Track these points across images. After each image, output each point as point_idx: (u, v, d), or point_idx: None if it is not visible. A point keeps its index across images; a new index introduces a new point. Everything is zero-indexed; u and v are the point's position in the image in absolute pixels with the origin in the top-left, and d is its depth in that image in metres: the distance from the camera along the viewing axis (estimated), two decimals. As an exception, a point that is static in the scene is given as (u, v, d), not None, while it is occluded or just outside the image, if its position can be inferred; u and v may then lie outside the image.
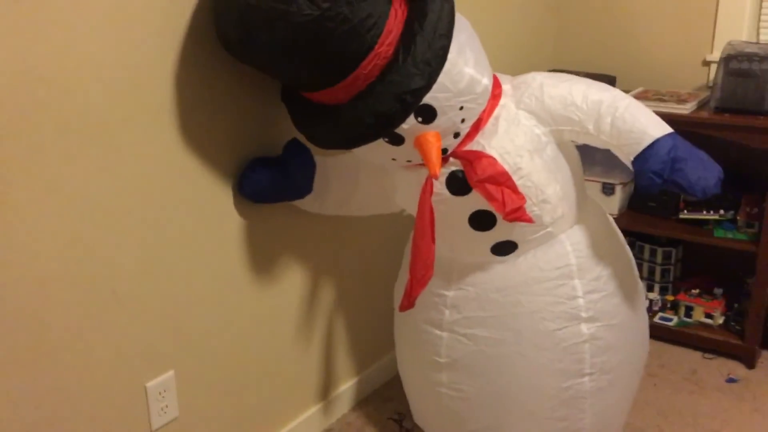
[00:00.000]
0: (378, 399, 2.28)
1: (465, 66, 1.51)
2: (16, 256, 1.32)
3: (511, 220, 1.58)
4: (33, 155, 1.31)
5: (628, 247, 1.92)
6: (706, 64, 2.68)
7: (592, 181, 2.62)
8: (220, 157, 1.67)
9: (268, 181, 1.74)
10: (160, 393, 1.61)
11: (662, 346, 2.59)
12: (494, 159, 1.60)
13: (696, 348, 2.56)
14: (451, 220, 1.69)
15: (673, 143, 1.55)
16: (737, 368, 2.46)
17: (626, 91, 2.61)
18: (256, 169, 1.72)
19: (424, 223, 1.62)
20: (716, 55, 2.46)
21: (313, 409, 2.10)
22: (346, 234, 2.08)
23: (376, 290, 2.23)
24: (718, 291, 2.64)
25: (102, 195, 1.44)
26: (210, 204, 1.67)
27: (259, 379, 1.89)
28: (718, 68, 2.39)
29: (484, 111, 1.61)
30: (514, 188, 1.59)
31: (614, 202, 2.63)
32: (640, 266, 2.74)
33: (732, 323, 2.55)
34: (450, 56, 1.46)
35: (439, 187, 1.64)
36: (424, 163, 1.53)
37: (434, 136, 1.52)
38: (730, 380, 2.39)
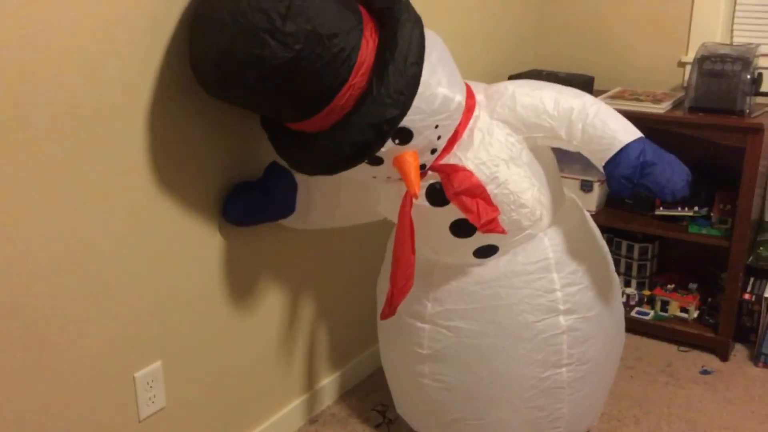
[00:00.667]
0: (361, 391, 2.32)
1: (438, 86, 1.55)
2: (4, 246, 1.35)
3: (485, 232, 1.64)
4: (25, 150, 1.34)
5: (604, 243, 1.98)
6: (681, 65, 2.75)
7: (571, 178, 2.67)
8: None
9: (251, 205, 1.78)
10: (148, 383, 1.64)
11: (639, 340, 2.65)
12: (470, 172, 1.64)
13: (672, 341, 2.63)
14: (433, 229, 1.74)
15: (642, 148, 1.60)
16: (711, 360, 2.53)
17: (604, 92, 2.70)
18: (239, 195, 1.77)
19: (404, 236, 1.67)
20: (691, 57, 2.52)
21: (298, 401, 2.14)
22: (330, 230, 2.12)
23: (359, 285, 2.27)
24: (692, 286, 2.71)
25: (92, 189, 1.47)
26: (198, 198, 1.70)
27: (244, 370, 1.93)
28: (692, 69, 2.45)
29: (459, 124, 1.65)
30: (488, 200, 1.65)
31: (592, 199, 2.69)
32: (617, 262, 2.80)
33: (706, 317, 2.62)
34: (423, 78, 1.50)
35: (420, 199, 1.68)
36: (404, 184, 1.58)
37: (412, 156, 1.57)
38: (704, 372, 2.46)
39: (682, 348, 2.60)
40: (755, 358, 2.51)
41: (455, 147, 1.68)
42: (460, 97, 1.60)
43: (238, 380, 1.92)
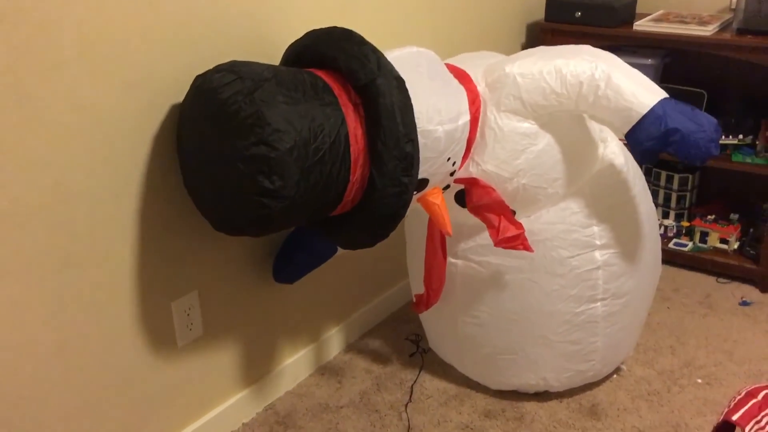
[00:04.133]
0: (395, 321, 2.34)
1: (439, 126, 1.50)
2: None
3: (505, 248, 1.66)
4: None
5: (642, 175, 1.92)
6: (730, -16, 2.61)
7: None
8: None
9: (299, 269, 1.85)
10: (185, 311, 1.66)
11: (676, 272, 2.61)
12: (490, 188, 1.64)
13: (710, 273, 2.59)
14: (462, 218, 1.75)
15: (663, 113, 1.51)
16: (751, 292, 2.48)
17: (647, 15, 2.58)
18: (287, 264, 1.83)
19: (434, 245, 1.73)
20: (740, -25, 2.39)
21: (333, 331, 2.16)
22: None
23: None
24: (733, 216, 2.64)
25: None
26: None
27: (282, 299, 1.94)
28: (742, -11, 2.33)
29: (470, 131, 1.61)
30: (510, 218, 1.64)
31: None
32: (656, 193, 2.74)
33: (747, 248, 2.56)
34: (421, 128, 1.45)
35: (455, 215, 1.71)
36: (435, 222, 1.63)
37: (436, 196, 1.60)
38: (744, 303, 2.42)
39: (720, 280, 2.56)
40: (797, 290, 2.46)
41: (471, 152, 1.65)
42: (462, 120, 1.56)
43: (276, 309, 1.93)
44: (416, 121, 1.43)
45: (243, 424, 1.90)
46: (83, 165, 1.40)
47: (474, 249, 1.80)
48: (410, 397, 1.99)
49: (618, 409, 1.92)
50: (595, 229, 1.76)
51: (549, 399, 1.95)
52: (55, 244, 1.39)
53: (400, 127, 1.38)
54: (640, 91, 1.53)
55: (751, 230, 2.60)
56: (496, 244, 1.65)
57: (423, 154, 1.47)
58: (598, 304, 1.80)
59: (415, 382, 2.04)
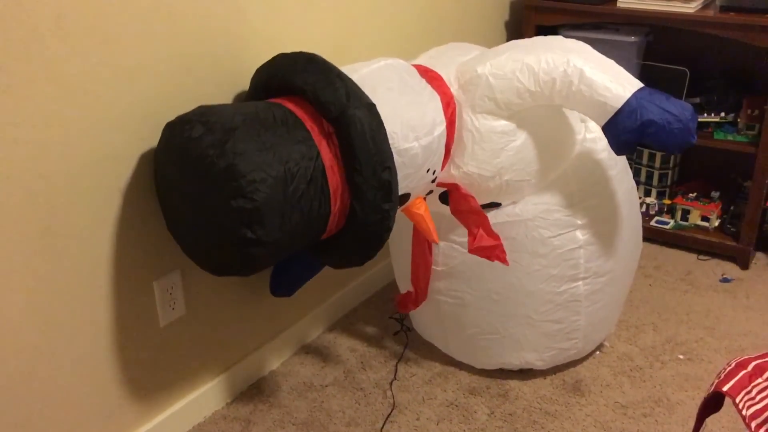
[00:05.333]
0: (379, 299, 2.33)
1: (415, 142, 1.50)
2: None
3: (478, 255, 1.69)
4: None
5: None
6: (714, -40, 2.61)
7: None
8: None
9: (297, 278, 1.86)
10: (167, 290, 1.64)
11: (658, 249, 2.63)
12: (470, 196, 1.66)
13: (691, 250, 2.61)
14: (445, 210, 1.76)
15: (637, 106, 1.50)
16: (731, 269, 2.51)
17: (629, -8, 2.57)
18: (284, 278, 1.85)
19: (422, 247, 1.78)
20: (724, -49, 2.38)
21: (317, 309, 2.15)
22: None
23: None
24: (715, 194, 2.66)
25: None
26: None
27: (265, 279, 1.93)
28: (725, -35, 2.32)
29: (447, 137, 1.61)
30: (488, 229, 1.66)
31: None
32: (638, 171, 2.75)
33: (728, 225, 2.58)
34: (396, 147, 1.45)
35: (433, 201, 1.73)
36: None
37: (419, 206, 1.62)
38: (724, 280, 2.44)
39: (701, 257, 2.58)
40: (776, 266, 2.49)
41: (451, 155, 1.66)
42: (439, 128, 1.56)
43: (258, 290, 1.92)
44: (392, 141, 1.43)
45: (227, 403, 1.89)
46: (63, 140, 1.37)
47: (455, 230, 1.80)
48: (395, 375, 1.99)
49: (601, 385, 1.94)
50: (577, 208, 1.76)
51: (533, 376, 1.96)
52: (35, 221, 1.37)
53: (375, 157, 1.38)
54: (614, 85, 1.53)
55: (732, 208, 2.62)
56: (471, 251, 1.67)
57: (402, 171, 1.48)
58: (580, 283, 1.81)
59: (399, 360, 2.05)
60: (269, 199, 1.30)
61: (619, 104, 1.51)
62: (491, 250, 1.67)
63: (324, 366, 2.04)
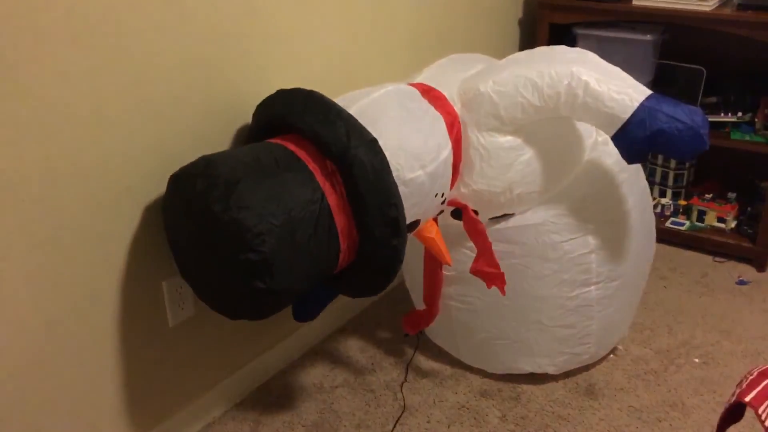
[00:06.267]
0: (390, 301, 2.32)
1: (420, 171, 1.48)
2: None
3: (477, 276, 1.71)
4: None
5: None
6: (732, -42, 2.57)
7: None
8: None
9: (319, 301, 1.85)
10: (176, 290, 1.63)
11: (673, 251, 2.60)
12: (478, 221, 1.65)
13: (707, 252, 2.57)
14: (457, 226, 1.75)
15: (646, 115, 1.47)
16: (748, 271, 2.47)
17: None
18: (305, 301, 1.83)
19: (433, 265, 1.79)
20: (742, -52, 2.34)
21: (328, 310, 2.12)
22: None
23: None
24: (731, 195, 2.62)
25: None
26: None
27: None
28: (743, -38, 2.29)
29: (453, 156, 1.60)
30: (491, 258, 1.67)
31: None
32: (653, 171, 2.72)
33: (744, 227, 2.54)
34: (402, 178, 1.44)
35: (445, 216, 1.73)
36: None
37: (430, 230, 1.61)
38: (741, 282, 2.41)
39: (717, 258, 2.54)
40: (794, 269, 2.45)
41: (460, 173, 1.64)
42: (444, 152, 1.54)
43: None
44: (397, 173, 1.42)
45: (236, 404, 1.88)
46: (73, 142, 1.36)
47: (465, 235, 1.77)
48: (405, 377, 1.97)
49: (615, 388, 1.91)
50: (588, 212, 1.74)
51: (546, 379, 1.94)
52: (45, 220, 1.36)
53: (380, 195, 1.38)
54: (620, 96, 1.49)
55: (749, 209, 2.58)
56: (472, 270, 1.69)
57: (409, 201, 1.46)
58: (592, 287, 1.79)
59: (410, 362, 2.03)
60: (277, 249, 1.30)
61: (626, 115, 1.48)
62: (491, 276, 1.68)
63: (334, 367, 2.02)
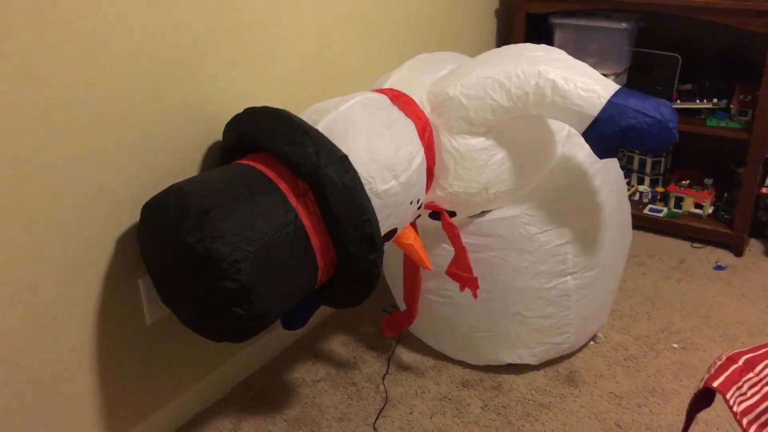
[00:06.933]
0: (371, 296, 2.30)
1: (393, 181, 1.47)
2: None
3: (451, 277, 1.73)
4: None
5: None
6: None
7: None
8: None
9: (306, 309, 1.81)
10: (153, 288, 1.61)
11: (651, 237, 2.62)
12: (455, 226, 1.67)
13: (685, 238, 2.59)
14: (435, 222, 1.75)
15: (614, 112, 1.47)
16: (725, 256, 2.49)
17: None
18: (293, 311, 1.79)
19: (413, 267, 1.80)
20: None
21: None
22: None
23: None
24: (708, 181, 2.65)
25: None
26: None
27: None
28: (717, -52, 2.29)
29: (427, 161, 1.60)
30: (466, 263, 1.69)
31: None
32: (631, 159, 2.73)
33: (721, 212, 2.57)
34: (376, 190, 1.44)
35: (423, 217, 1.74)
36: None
37: (408, 236, 1.62)
38: (719, 267, 2.43)
39: (695, 244, 2.57)
40: (770, 253, 2.47)
41: (435, 176, 1.64)
42: (416, 160, 1.54)
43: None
44: (369, 186, 1.42)
45: (217, 400, 1.87)
46: (45, 139, 1.35)
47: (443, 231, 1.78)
48: (387, 369, 1.98)
49: (595, 375, 1.93)
50: (563, 203, 1.75)
51: (526, 368, 1.95)
52: (17, 216, 1.34)
53: (353, 212, 1.37)
54: (588, 94, 1.49)
55: (726, 195, 2.61)
56: (447, 272, 1.72)
57: (384, 212, 1.46)
58: (569, 278, 1.80)
59: (392, 354, 2.03)
60: (253, 275, 1.30)
61: (595, 113, 1.48)
62: (464, 280, 1.70)
63: (315, 361, 2.02)
